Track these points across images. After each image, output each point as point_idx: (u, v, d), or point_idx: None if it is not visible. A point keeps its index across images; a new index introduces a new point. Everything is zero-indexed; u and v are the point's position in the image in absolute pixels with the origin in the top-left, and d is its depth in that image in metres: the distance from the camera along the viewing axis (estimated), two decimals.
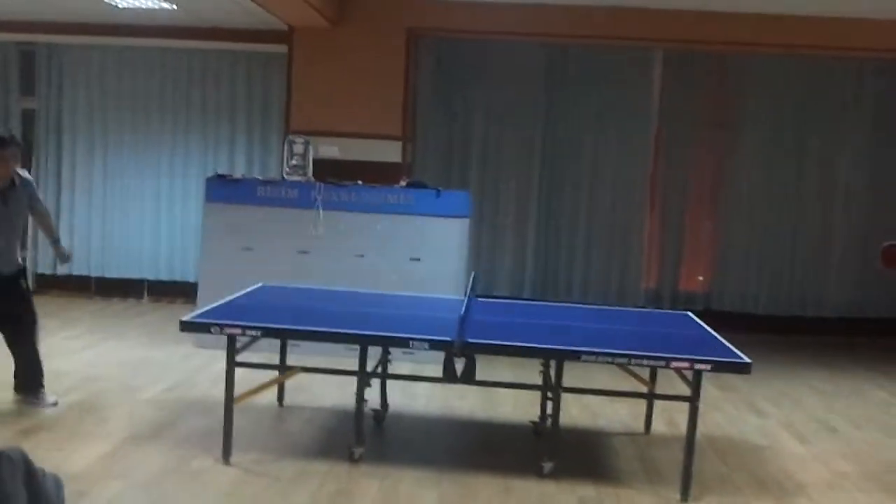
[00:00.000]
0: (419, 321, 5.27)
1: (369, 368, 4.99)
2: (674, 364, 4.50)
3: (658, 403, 5.79)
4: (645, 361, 4.56)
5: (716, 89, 9.30)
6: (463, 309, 4.78)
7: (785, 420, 6.32)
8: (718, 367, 4.56)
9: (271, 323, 5.01)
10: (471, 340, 4.50)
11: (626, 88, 9.13)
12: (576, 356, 4.54)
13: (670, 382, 5.34)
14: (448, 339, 4.50)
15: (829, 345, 8.94)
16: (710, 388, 6.99)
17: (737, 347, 4.78)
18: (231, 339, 4.71)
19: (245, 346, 5.06)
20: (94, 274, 9.60)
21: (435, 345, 4.55)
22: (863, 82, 9.11)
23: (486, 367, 4.99)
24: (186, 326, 4.74)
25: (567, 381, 4.97)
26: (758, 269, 9.28)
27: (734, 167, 9.27)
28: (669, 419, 6.00)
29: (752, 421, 6.29)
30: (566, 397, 5.09)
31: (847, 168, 9.19)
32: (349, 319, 5.22)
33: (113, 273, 9.58)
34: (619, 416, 6.14)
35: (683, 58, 9.12)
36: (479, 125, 9.22)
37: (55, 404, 5.68)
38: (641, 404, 5.88)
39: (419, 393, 6.35)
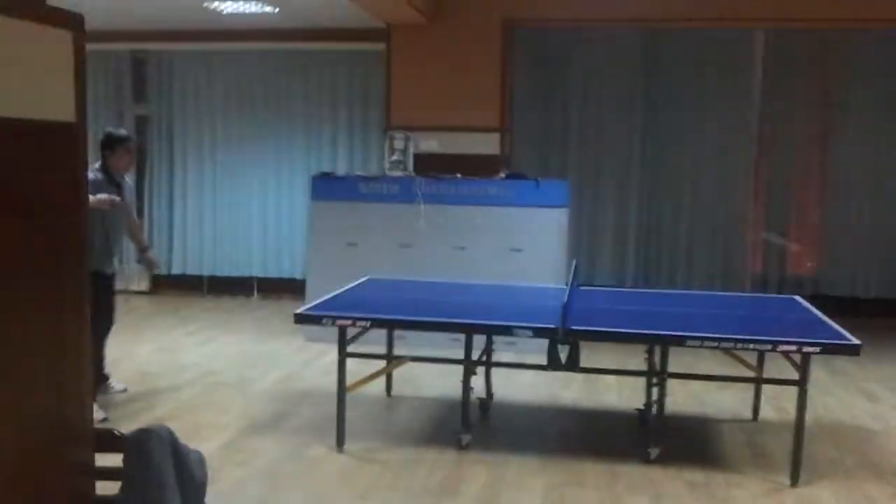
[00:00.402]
0: (522, 310, 5.35)
1: (473, 358, 5.10)
2: (781, 347, 4.47)
3: (766, 390, 5.75)
4: (752, 346, 4.54)
5: (820, 69, 9.06)
6: (566, 296, 4.83)
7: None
8: (827, 350, 4.50)
9: (379, 314, 5.17)
10: (574, 327, 4.56)
11: (726, 71, 8.99)
12: (680, 341, 4.56)
13: (778, 367, 5.29)
14: (552, 325, 4.57)
15: None
16: (820, 372, 6.88)
17: (846, 331, 4.71)
18: (342, 330, 4.88)
19: (354, 338, 5.23)
20: (205, 273, 9.98)
21: (538, 332, 4.63)
22: None
23: (590, 356, 5.04)
24: (300, 319, 4.94)
25: (672, 368, 4.99)
26: (867, 252, 9.01)
27: (840, 148, 9.03)
28: (778, 405, 5.94)
29: (864, 405, 6.17)
30: (672, 384, 5.11)
31: None
32: (454, 309, 5.34)
33: (224, 272, 9.93)
34: (725, 402, 6.09)
35: (785, 37, 8.92)
36: (576, 114, 9.21)
37: (125, 390, 6.04)
38: (748, 391, 5.83)
39: (523, 382, 6.42)
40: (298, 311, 5.01)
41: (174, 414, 5.64)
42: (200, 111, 9.81)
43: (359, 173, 8.21)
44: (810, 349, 4.41)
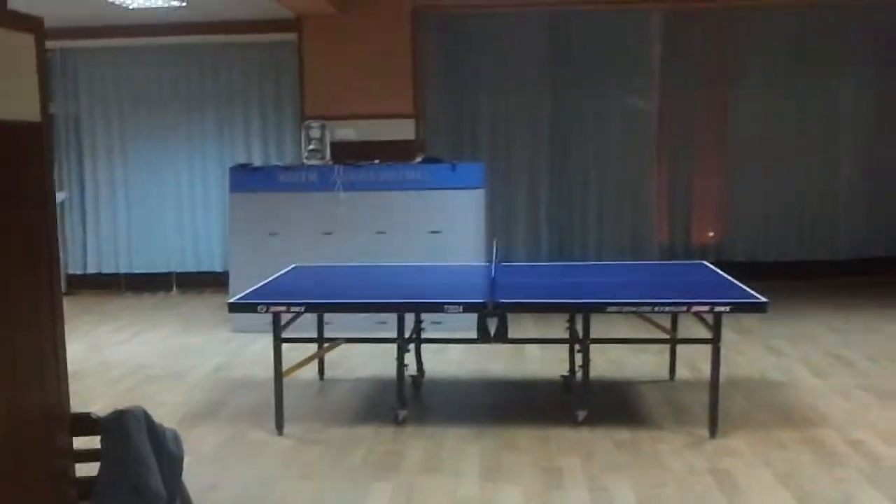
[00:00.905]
0: (449, 288, 5.54)
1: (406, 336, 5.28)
2: (695, 308, 4.78)
3: (680, 351, 6.08)
4: (667, 308, 4.84)
5: (714, 45, 9.49)
6: (492, 272, 5.05)
7: (802, 357, 6.60)
8: (737, 308, 4.83)
9: (311, 300, 5.30)
10: (502, 300, 4.78)
11: (628, 50, 9.35)
12: (602, 308, 4.83)
13: (690, 330, 5.62)
14: (481, 300, 4.79)
15: (843, 286, 9.19)
16: (729, 332, 7.19)
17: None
18: (276, 317, 5.00)
19: (286, 325, 5.34)
20: (122, 270, 9.89)
21: (468, 307, 4.84)
22: (855, 26, 9.29)
23: (513, 328, 5.26)
24: (234, 308, 5.06)
25: (592, 335, 5.25)
26: (767, 218, 9.51)
27: (737, 120, 9.49)
28: (692, 365, 6.28)
29: (771, 360, 6.58)
30: (591, 351, 5.36)
31: (848, 110, 9.38)
32: (384, 291, 5.51)
33: (141, 268, 9.86)
34: (644, 365, 6.42)
35: (679, 15, 9.33)
36: (487, 97, 9.44)
37: None
38: (665, 353, 6.16)
39: (453, 359, 6.64)
40: (231, 300, 5.11)
41: (110, 409, 5.66)
42: (109, 107, 9.68)
43: (276, 163, 8.27)
44: (721, 308, 4.72)
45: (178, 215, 9.75)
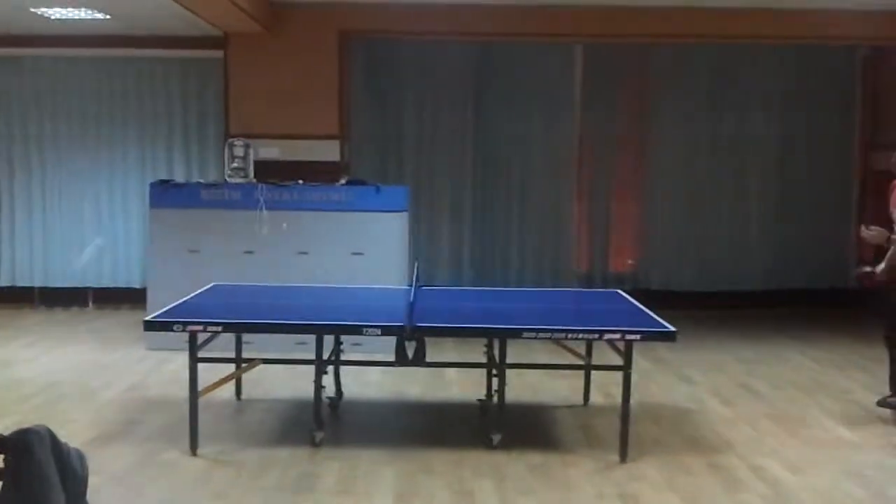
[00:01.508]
0: (369, 310, 5.60)
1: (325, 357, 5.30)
2: (607, 336, 4.91)
3: (595, 378, 6.20)
4: (581, 335, 4.95)
5: (633, 80, 9.80)
6: (411, 296, 5.11)
7: (712, 386, 6.79)
8: (647, 337, 4.97)
9: (229, 319, 5.28)
10: (420, 324, 4.84)
11: (549, 81, 9.59)
12: (517, 334, 4.93)
13: (604, 356, 5.74)
14: (399, 324, 4.83)
15: (752, 316, 9.48)
16: (642, 360, 7.41)
17: (664, 321, 5.20)
18: (193, 336, 4.96)
19: (203, 344, 5.31)
20: (37, 284, 9.67)
21: (387, 330, 4.88)
22: (771, 66, 9.67)
23: (433, 352, 5.32)
24: (150, 326, 5.00)
25: (509, 360, 5.33)
26: (681, 249, 9.81)
27: (654, 152, 9.79)
28: (606, 392, 6.41)
29: (682, 389, 6.75)
30: (508, 376, 5.44)
31: (761, 146, 9.76)
32: (304, 312, 5.53)
33: (57, 282, 9.65)
34: (559, 391, 6.52)
35: (601, 50, 9.59)
36: (412, 121, 9.57)
37: None
38: (580, 379, 6.27)
39: (371, 381, 6.65)
40: (148, 318, 5.06)
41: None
42: (28, 118, 9.49)
43: (199, 180, 8.21)
44: (632, 336, 4.86)
45: (97, 230, 9.58)
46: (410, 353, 5.08)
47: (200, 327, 4.92)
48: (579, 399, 6.23)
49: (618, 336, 4.89)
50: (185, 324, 4.91)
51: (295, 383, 6.37)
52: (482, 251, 9.76)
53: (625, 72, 9.76)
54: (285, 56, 8.21)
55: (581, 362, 5.95)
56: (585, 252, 9.91)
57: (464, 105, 9.55)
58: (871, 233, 5.77)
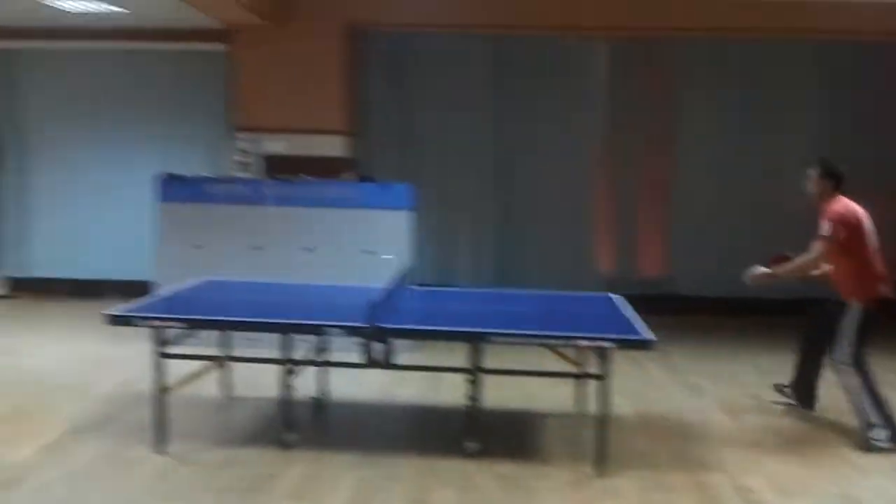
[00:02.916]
0: (345, 309, 5.40)
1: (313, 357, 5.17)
2: (580, 342, 4.65)
3: (593, 385, 5.91)
4: (552, 341, 4.70)
5: (660, 75, 9.43)
6: (380, 296, 4.93)
7: (721, 398, 6.47)
8: (622, 345, 4.69)
9: (206, 314, 5.19)
10: (383, 325, 4.65)
11: (572, 77, 9.28)
12: (484, 338, 4.71)
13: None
14: (362, 324, 4.66)
15: (784, 325, 9.00)
16: (654, 368, 7.22)
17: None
18: (158, 332, 4.87)
19: (179, 339, 5.20)
20: (64, 276, 9.77)
21: (350, 331, 4.71)
22: (805, 62, 9.22)
23: (433, 354, 5.15)
24: (111, 320, 4.90)
25: (501, 365, 5.18)
26: (712, 253, 9.37)
27: (682, 152, 9.42)
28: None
29: (689, 401, 6.43)
30: (507, 382, 5.34)
31: (796, 144, 9.27)
32: (277, 309, 5.38)
33: (83, 274, 9.75)
34: (557, 398, 6.25)
35: (627, 46, 9.27)
36: (431, 117, 9.36)
37: None
38: (581, 386, 6.00)
39: (368, 381, 6.49)
40: (110, 311, 4.95)
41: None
42: (51, 111, 9.67)
43: (206, 174, 8.17)
44: (606, 344, 4.59)
45: (117, 223, 9.64)
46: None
47: (159, 323, 4.81)
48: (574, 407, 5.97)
49: (589, 343, 4.63)
50: (147, 318, 4.82)
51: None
52: (502, 251, 9.51)
53: (651, 67, 9.39)
54: (292, 50, 8.13)
55: (574, 370, 5.68)
56: (610, 254, 9.58)
57: (484, 101, 9.31)
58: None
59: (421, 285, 8.35)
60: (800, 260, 5.65)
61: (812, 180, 5.70)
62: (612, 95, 9.37)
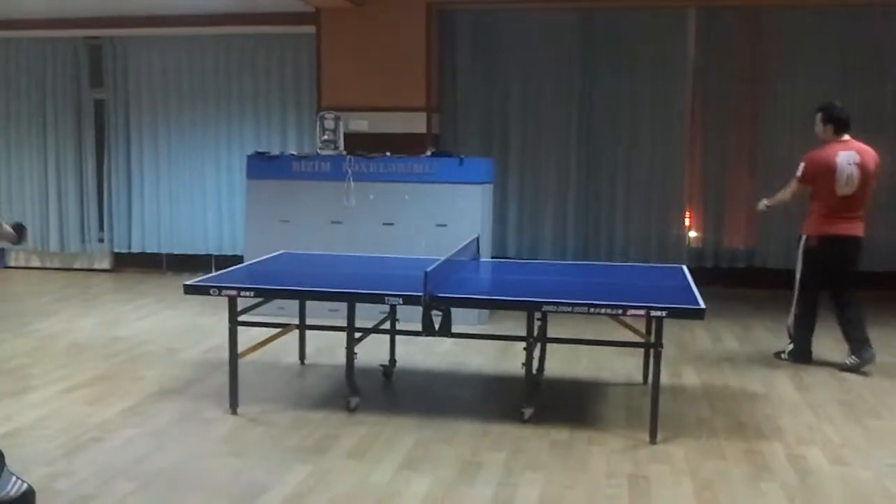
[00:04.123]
0: (409, 279, 5.58)
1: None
2: (630, 312, 4.71)
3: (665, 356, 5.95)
4: (602, 310, 4.77)
5: (749, 44, 9.25)
6: (439, 267, 5.09)
7: (794, 369, 6.40)
8: (672, 314, 4.71)
9: (281, 285, 5.47)
10: (437, 294, 4.82)
11: (659, 47, 9.20)
12: (537, 307, 4.82)
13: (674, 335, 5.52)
14: (417, 293, 4.83)
15: (879, 298, 8.78)
16: (731, 340, 7.23)
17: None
18: (232, 300, 5.17)
19: (251, 308, 5.51)
20: (164, 251, 10.31)
21: (407, 300, 4.89)
22: None
23: (505, 324, 5.28)
24: (189, 289, 5.22)
25: (570, 334, 5.31)
26: (799, 226, 9.15)
27: (771, 123, 9.23)
28: (674, 371, 6.20)
29: (759, 371, 6.39)
30: (579, 351, 5.46)
31: (891, 112, 9.00)
32: (345, 280, 5.61)
33: (182, 249, 10.27)
34: (627, 368, 6.34)
35: (715, 15, 9.13)
36: (516, 93, 9.44)
37: None
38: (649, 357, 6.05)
39: (439, 350, 6.70)
40: (189, 282, 5.28)
41: (88, 382, 5.96)
42: (152, 95, 10.15)
43: (291, 152, 8.49)
44: (657, 313, 4.64)
45: (217, 199, 10.18)
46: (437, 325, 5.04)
47: (235, 292, 5.10)
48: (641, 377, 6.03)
49: (641, 312, 4.69)
50: (222, 288, 5.11)
51: (362, 350, 6.47)
52: (586, 225, 9.54)
53: (739, 36, 9.22)
54: (374, 30, 8.33)
55: (641, 340, 5.73)
56: (698, 227, 9.49)
57: (570, 76, 9.33)
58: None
59: (503, 258, 8.53)
60: (779, 194, 6.61)
61: (818, 125, 6.36)
62: (701, 66, 9.26)
